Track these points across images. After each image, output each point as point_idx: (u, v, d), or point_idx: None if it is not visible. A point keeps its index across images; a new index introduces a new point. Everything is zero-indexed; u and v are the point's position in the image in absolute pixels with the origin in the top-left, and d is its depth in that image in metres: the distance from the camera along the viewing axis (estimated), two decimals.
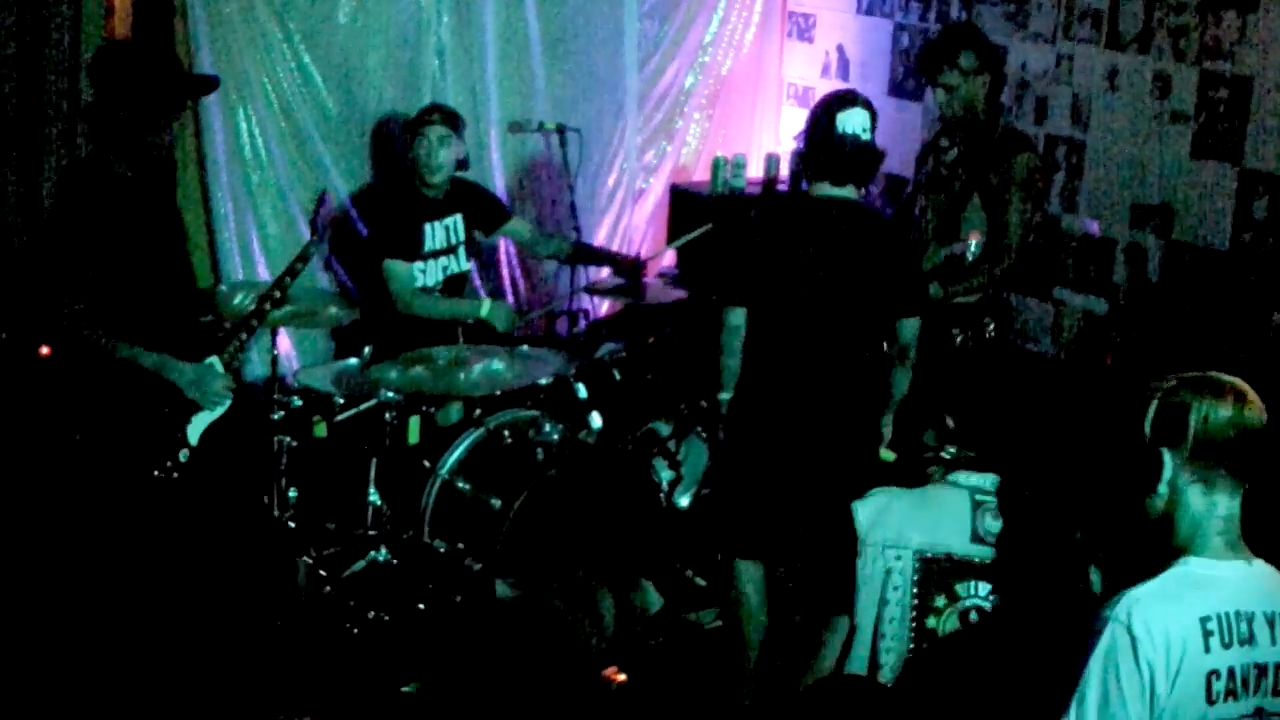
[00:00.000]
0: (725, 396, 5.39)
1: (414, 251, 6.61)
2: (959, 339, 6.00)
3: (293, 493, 5.68)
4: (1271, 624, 3.08)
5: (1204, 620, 3.02)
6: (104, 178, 4.88)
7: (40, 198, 6.33)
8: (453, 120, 6.67)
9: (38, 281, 4.93)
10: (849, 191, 5.24)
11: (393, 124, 7.33)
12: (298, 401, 5.84)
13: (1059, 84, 7.22)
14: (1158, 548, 3.13)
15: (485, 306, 6.66)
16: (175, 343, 4.96)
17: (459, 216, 6.81)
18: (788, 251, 5.25)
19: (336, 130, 7.23)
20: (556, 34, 7.96)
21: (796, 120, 8.64)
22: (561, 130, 7.50)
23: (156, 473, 4.91)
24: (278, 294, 5.27)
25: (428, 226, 6.67)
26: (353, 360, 6.27)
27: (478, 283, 7.62)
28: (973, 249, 5.81)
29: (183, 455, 4.95)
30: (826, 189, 5.22)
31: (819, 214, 5.24)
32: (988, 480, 3.84)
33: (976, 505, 3.83)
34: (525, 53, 7.84)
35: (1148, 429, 3.14)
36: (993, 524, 3.82)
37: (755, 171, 8.60)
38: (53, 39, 6.22)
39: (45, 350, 5.69)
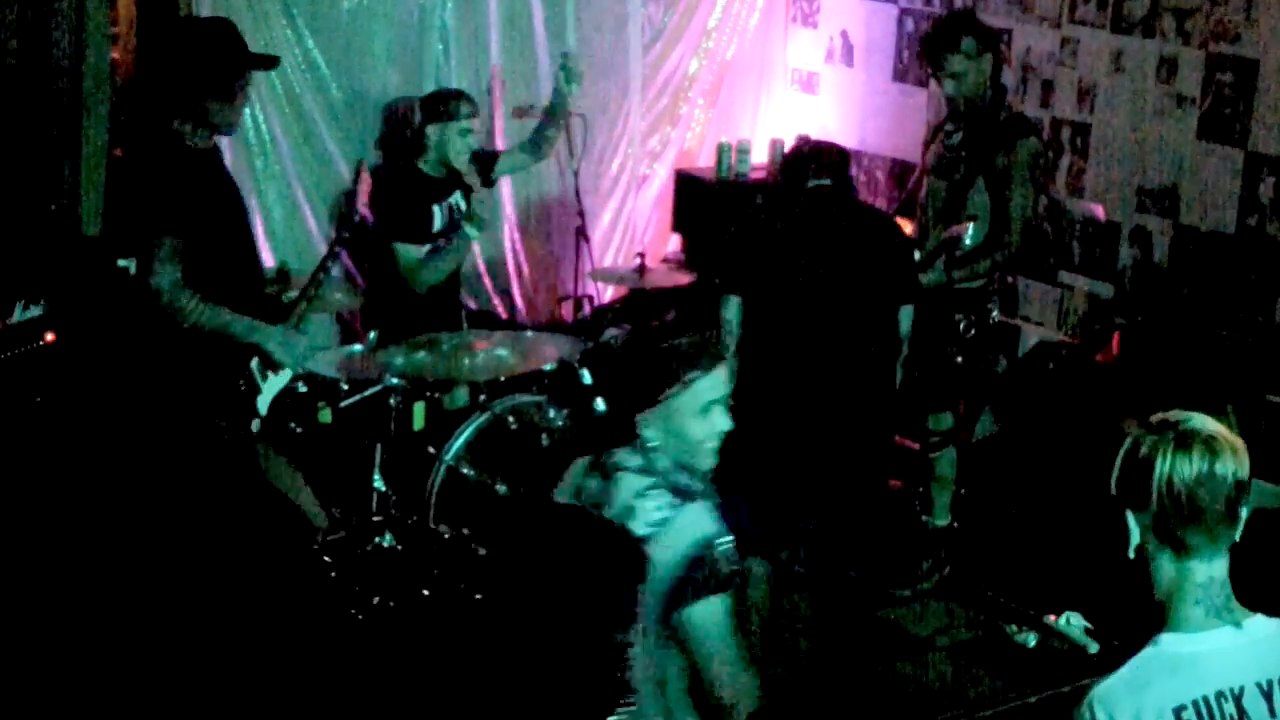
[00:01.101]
0: None
1: (424, 234, 6.60)
2: (961, 324, 6.00)
3: None
4: (1268, 694, 2.77)
5: (1178, 710, 2.72)
6: (181, 150, 4.95)
7: (46, 190, 6.33)
8: (477, 108, 6.73)
9: (127, 252, 4.97)
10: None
11: (399, 108, 7.32)
12: (303, 387, 5.84)
13: (1064, 67, 7.21)
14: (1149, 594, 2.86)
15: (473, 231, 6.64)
16: (247, 312, 5.03)
17: (459, 193, 6.81)
18: (783, 239, 5.36)
19: (341, 115, 7.23)
20: (560, 19, 7.95)
21: (801, 105, 8.66)
22: (566, 115, 7.48)
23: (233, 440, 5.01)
24: (328, 265, 5.38)
25: (435, 208, 6.67)
26: (358, 346, 6.27)
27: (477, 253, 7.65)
28: (970, 234, 5.81)
29: (254, 426, 5.02)
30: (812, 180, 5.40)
31: (810, 202, 5.37)
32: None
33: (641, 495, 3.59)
34: (529, 37, 7.83)
35: (1113, 486, 2.86)
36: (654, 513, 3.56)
37: (760, 157, 8.59)
38: (54, 36, 6.21)
39: (50, 336, 5.72)
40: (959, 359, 6.02)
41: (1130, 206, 6.94)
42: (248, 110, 6.86)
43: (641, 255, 7.15)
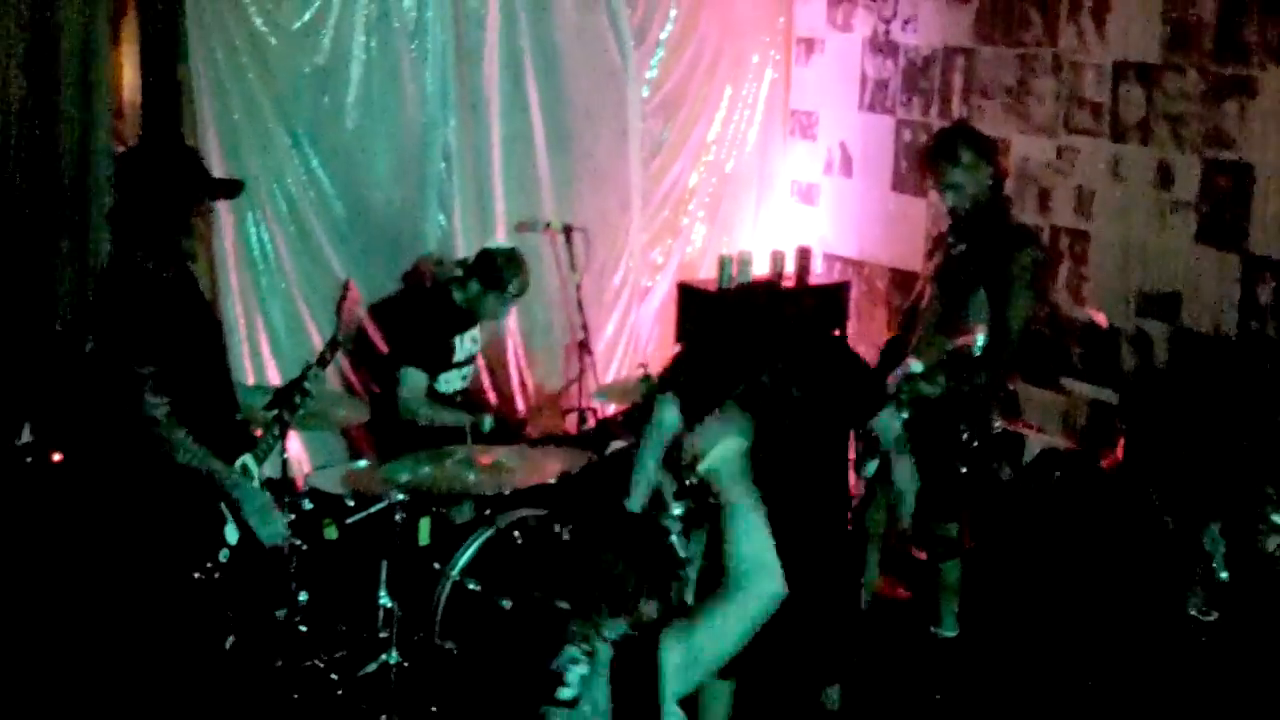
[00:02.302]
0: (633, 507, 5.28)
1: (444, 362, 6.66)
2: (965, 433, 6.00)
3: (303, 595, 5.66)
4: None
5: None
6: (141, 278, 4.90)
7: (51, 306, 6.35)
8: (526, 286, 6.92)
9: (106, 385, 4.93)
10: None
11: (401, 226, 7.40)
12: (308, 504, 5.83)
13: (1061, 175, 7.26)
14: None
15: (487, 422, 6.66)
16: (213, 440, 4.96)
17: (479, 327, 6.89)
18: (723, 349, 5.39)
19: (345, 232, 7.27)
20: (561, 134, 8.03)
21: (801, 216, 8.71)
22: (568, 229, 7.57)
23: (197, 574, 4.90)
24: (307, 386, 5.30)
25: (457, 339, 6.74)
26: (363, 461, 6.27)
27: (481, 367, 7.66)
28: (979, 342, 5.83)
29: (223, 555, 4.95)
30: None
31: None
32: None
33: None
34: (530, 153, 7.90)
35: None
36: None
37: (761, 268, 8.63)
38: (61, 155, 6.26)
39: (57, 456, 5.71)
40: (963, 469, 6.01)
41: (1131, 311, 6.96)
42: (252, 229, 6.94)
43: (645, 366, 7.17)
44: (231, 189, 5.38)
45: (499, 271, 6.77)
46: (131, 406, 4.79)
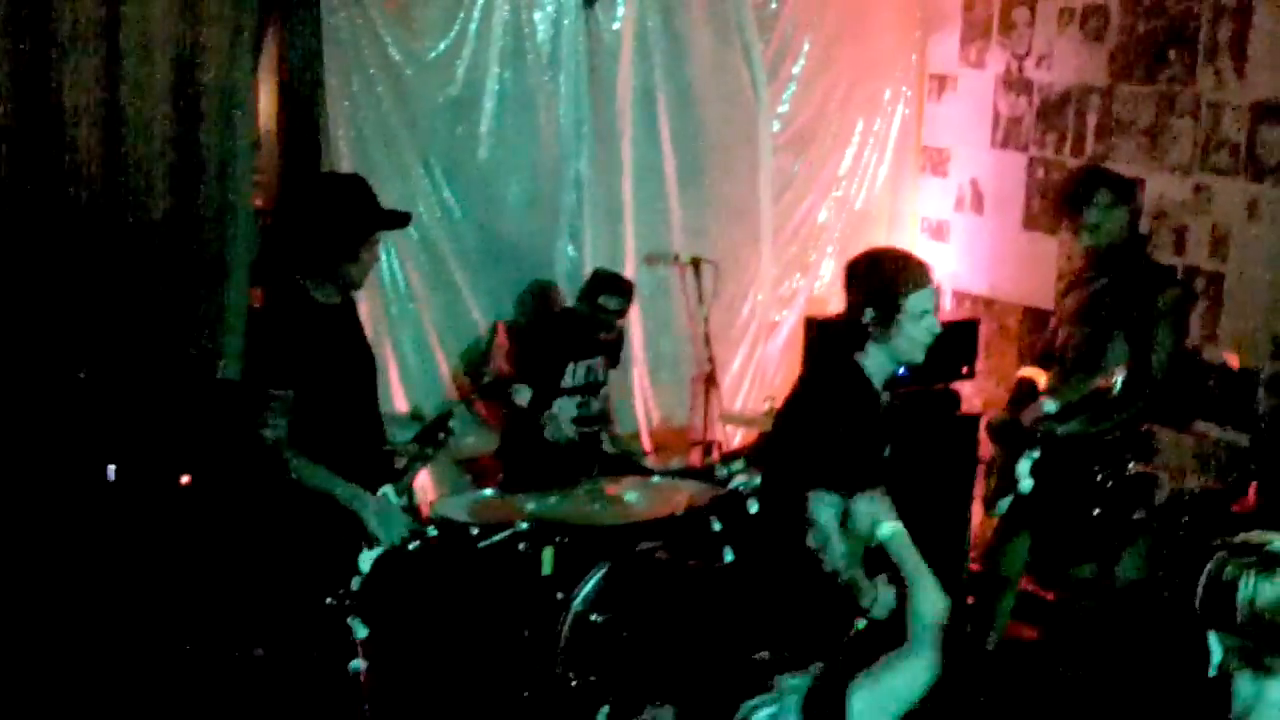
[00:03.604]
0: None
1: (552, 385, 6.69)
2: (1100, 475, 5.93)
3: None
4: None
5: None
6: (306, 305, 5.00)
7: (187, 335, 6.44)
8: (625, 304, 6.99)
9: (241, 402, 5.02)
10: None
11: (532, 256, 7.46)
12: (434, 531, 5.87)
13: (1197, 215, 7.16)
14: None
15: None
16: (357, 470, 5.03)
17: (601, 357, 6.92)
18: None
19: (475, 261, 7.33)
20: (692, 167, 8.04)
21: (931, 253, 8.65)
22: (696, 262, 7.57)
23: (330, 600, 4.96)
24: (451, 425, 5.37)
25: (570, 365, 6.79)
26: (488, 490, 6.31)
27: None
28: (1118, 383, 5.75)
29: (355, 583, 5.01)
30: None
31: None
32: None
33: None
34: (661, 186, 7.92)
35: (1197, 607, 2.96)
36: None
37: None
38: (200, 189, 6.33)
39: (185, 479, 5.80)
40: (1097, 511, 5.93)
41: (1266, 354, 6.85)
42: (384, 257, 7.00)
43: (771, 400, 7.15)
44: (400, 221, 5.43)
45: (595, 281, 6.84)
46: (252, 427, 4.87)
